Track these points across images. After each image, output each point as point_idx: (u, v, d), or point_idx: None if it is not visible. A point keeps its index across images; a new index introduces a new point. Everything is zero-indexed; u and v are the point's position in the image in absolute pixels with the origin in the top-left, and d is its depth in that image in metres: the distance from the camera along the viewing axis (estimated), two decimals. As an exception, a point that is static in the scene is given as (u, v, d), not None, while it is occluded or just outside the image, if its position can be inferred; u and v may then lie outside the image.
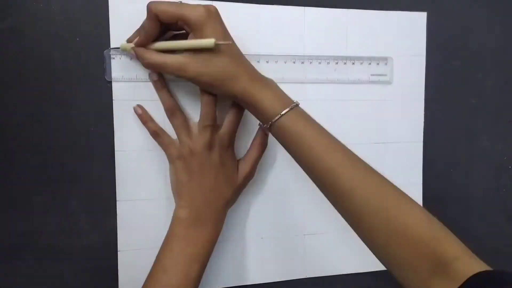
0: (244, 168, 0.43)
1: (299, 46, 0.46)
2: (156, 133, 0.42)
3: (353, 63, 0.47)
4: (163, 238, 0.41)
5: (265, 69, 0.42)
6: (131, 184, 0.43)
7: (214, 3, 0.43)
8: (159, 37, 0.40)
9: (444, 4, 0.50)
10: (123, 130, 0.42)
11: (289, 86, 0.41)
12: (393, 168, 0.49)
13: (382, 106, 0.49)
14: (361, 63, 0.47)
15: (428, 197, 0.51)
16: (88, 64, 0.41)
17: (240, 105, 0.41)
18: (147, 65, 0.40)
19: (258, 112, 0.39)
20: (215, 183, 0.41)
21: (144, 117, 0.42)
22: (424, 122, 0.50)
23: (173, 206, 0.44)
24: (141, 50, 0.39)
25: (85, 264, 0.42)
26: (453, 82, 0.51)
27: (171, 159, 0.42)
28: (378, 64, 0.48)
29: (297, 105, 0.38)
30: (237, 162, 0.44)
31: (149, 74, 0.42)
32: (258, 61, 0.45)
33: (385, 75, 0.48)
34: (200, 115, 0.41)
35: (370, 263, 0.50)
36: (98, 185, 0.42)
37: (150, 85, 0.42)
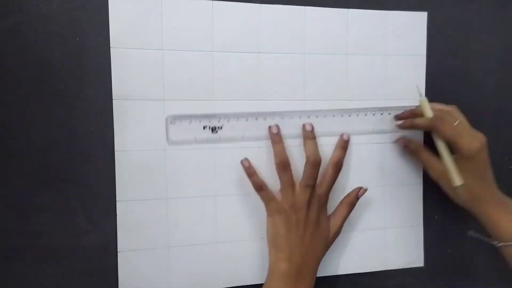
0: (334, 225, 0.45)
1: (299, 45, 0.46)
2: (260, 187, 0.43)
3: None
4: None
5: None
6: (131, 184, 0.43)
7: (215, 3, 0.43)
8: None
9: (444, 4, 0.50)
10: (123, 130, 0.42)
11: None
12: (393, 168, 0.49)
13: (382, 105, 0.49)
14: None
15: (428, 197, 0.51)
16: (88, 64, 0.41)
17: (332, 169, 0.45)
18: (415, 153, 0.47)
19: (492, 230, 0.44)
20: (311, 239, 0.43)
21: (250, 170, 0.44)
22: (425, 122, 0.50)
23: (173, 206, 0.44)
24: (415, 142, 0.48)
25: (85, 264, 0.42)
26: (453, 82, 0.51)
27: (271, 213, 0.44)
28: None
29: None
30: (328, 219, 0.46)
31: (270, 127, 0.45)
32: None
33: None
34: (303, 175, 0.44)
35: (370, 263, 0.50)
36: (98, 185, 0.42)
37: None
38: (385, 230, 0.50)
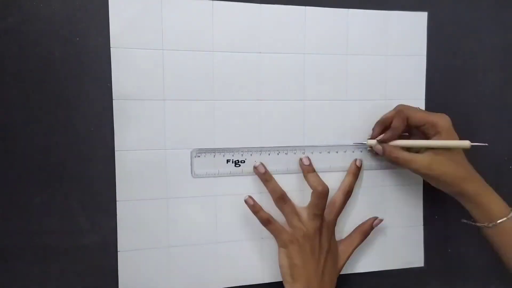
0: (345, 252, 0.46)
1: (299, 45, 0.46)
2: (268, 221, 0.43)
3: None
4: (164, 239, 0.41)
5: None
6: (131, 184, 0.43)
7: (215, 3, 0.43)
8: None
9: (444, 4, 0.50)
10: (123, 130, 0.42)
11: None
12: (393, 168, 0.49)
13: (382, 105, 0.49)
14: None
15: (428, 197, 0.51)
16: (88, 64, 0.41)
17: (343, 196, 0.45)
18: (395, 159, 0.44)
19: (481, 212, 0.43)
20: (325, 267, 0.44)
21: (255, 208, 0.44)
22: (425, 122, 0.50)
23: (173, 206, 0.44)
24: (390, 147, 0.45)
25: (85, 264, 0.42)
26: (453, 82, 0.51)
27: (283, 244, 0.44)
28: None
29: None
30: (338, 245, 0.46)
31: (256, 167, 0.45)
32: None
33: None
34: (310, 204, 0.44)
35: (370, 263, 0.50)
36: (98, 185, 0.42)
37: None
38: (385, 230, 0.50)
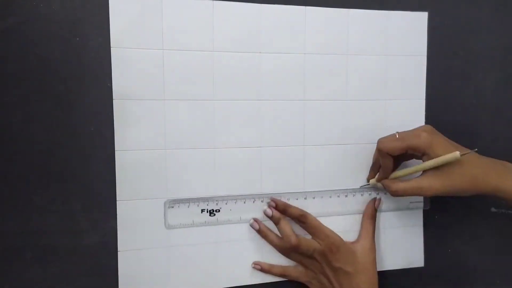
0: (364, 247, 0.46)
1: (299, 45, 0.46)
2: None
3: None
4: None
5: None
6: (131, 184, 0.43)
7: (215, 3, 0.43)
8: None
9: (445, 4, 0.50)
10: (123, 130, 0.42)
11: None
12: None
13: (382, 106, 0.49)
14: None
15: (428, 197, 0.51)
16: (88, 64, 0.41)
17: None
18: (395, 193, 0.43)
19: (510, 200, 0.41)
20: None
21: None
22: (425, 122, 0.50)
23: (173, 206, 0.44)
24: (387, 182, 0.44)
25: (85, 264, 0.42)
26: (454, 82, 0.51)
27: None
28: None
29: None
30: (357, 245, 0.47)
31: (251, 224, 0.45)
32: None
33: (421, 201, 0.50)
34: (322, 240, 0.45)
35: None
36: (98, 185, 0.42)
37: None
38: (385, 230, 0.50)
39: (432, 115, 0.50)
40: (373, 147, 0.47)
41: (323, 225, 0.46)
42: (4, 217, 0.40)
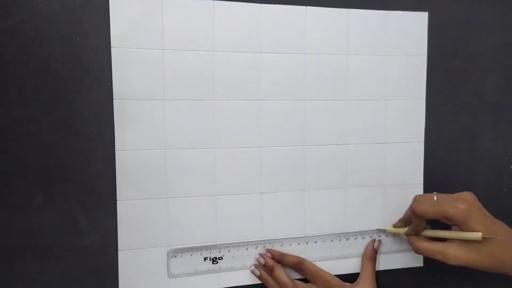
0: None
1: (299, 45, 0.46)
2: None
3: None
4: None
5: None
6: (131, 184, 0.43)
7: (216, 3, 0.43)
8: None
9: (445, 4, 0.50)
10: (123, 130, 0.42)
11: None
12: (394, 168, 0.49)
13: (382, 106, 0.49)
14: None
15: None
16: (88, 64, 0.41)
17: None
18: (419, 251, 0.43)
19: None
20: None
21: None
22: (425, 122, 0.50)
23: (173, 205, 0.44)
24: (413, 238, 0.44)
25: (85, 264, 0.42)
26: (454, 82, 0.51)
27: None
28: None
29: None
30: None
31: (252, 270, 0.45)
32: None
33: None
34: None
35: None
36: (98, 185, 0.42)
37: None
38: (385, 230, 0.50)
39: (433, 115, 0.50)
40: (373, 147, 0.47)
41: (322, 270, 0.46)
42: (4, 217, 0.40)
